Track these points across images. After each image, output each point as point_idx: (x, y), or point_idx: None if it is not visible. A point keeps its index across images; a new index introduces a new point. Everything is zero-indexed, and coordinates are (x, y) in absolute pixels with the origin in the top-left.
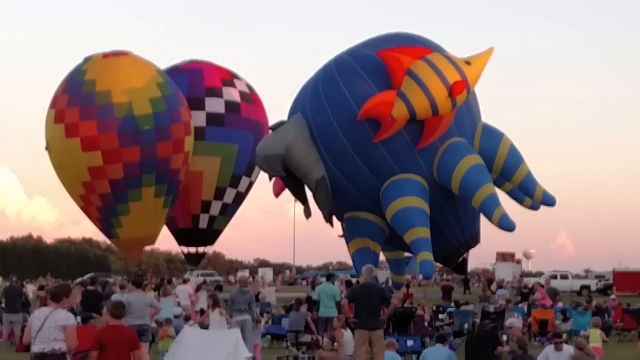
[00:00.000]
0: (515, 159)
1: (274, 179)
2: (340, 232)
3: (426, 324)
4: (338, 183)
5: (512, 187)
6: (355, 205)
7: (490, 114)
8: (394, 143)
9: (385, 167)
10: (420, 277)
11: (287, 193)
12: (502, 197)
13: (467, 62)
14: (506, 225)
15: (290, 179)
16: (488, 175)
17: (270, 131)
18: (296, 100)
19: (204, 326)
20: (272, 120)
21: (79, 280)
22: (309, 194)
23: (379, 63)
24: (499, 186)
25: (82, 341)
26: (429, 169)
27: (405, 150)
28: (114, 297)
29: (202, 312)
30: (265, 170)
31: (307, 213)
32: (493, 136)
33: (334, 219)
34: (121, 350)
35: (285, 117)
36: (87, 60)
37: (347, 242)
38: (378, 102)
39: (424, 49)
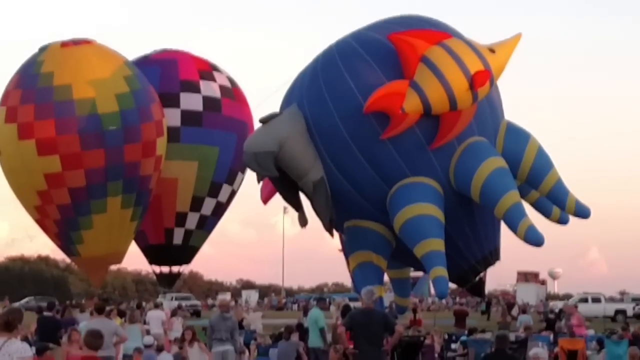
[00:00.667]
0: (544, 163)
1: (262, 182)
2: (340, 246)
3: (436, 354)
4: (338, 186)
5: (539, 197)
6: (358, 213)
7: (513, 110)
8: (405, 141)
9: (394, 168)
10: (429, 300)
11: (276, 200)
12: (526, 208)
13: (491, 50)
14: (534, 238)
15: (282, 181)
16: (513, 181)
17: (259, 125)
18: (291, 90)
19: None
20: (257, 119)
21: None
22: (304, 199)
23: (389, 48)
24: (524, 195)
25: None
26: (445, 172)
27: (417, 150)
28: (83, 325)
29: (176, 340)
30: (254, 170)
31: (302, 221)
32: (519, 137)
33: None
34: None
35: (277, 110)
36: (43, 49)
37: (347, 257)
38: (387, 92)
39: (441, 33)
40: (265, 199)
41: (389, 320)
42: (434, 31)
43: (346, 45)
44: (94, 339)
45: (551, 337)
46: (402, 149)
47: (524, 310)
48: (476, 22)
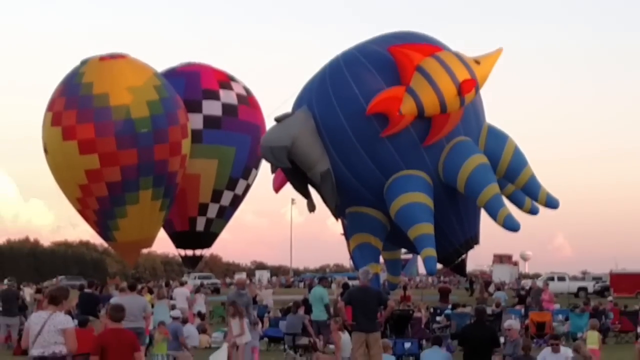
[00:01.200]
0: (519, 161)
1: (274, 174)
2: (342, 230)
3: (423, 326)
4: (342, 177)
5: (514, 190)
6: (358, 200)
7: (491, 115)
8: (401, 139)
9: (391, 162)
10: (417, 279)
11: (286, 192)
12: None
13: (477, 62)
14: (511, 225)
15: (293, 172)
16: (494, 176)
17: (274, 123)
18: (302, 94)
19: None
20: (269, 124)
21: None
22: (311, 189)
23: (388, 59)
24: (501, 188)
25: (80, 344)
26: (435, 166)
27: (411, 147)
28: (113, 300)
29: (199, 314)
30: (270, 162)
31: (311, 207)
32: (498, 138)
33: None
34: (122, 353)
35: (290, 111)
36: (84, 63)
37: (348, 238)
38: (387, 97)
39: (434, 47)
40: (277, 188)
41: (383, 296)
42: (428, 45)
43: (351, 56)
44: (116, 312)
45: (522, 310)
46: (399, 145)
47: (499, 287)
48: (464, 35)
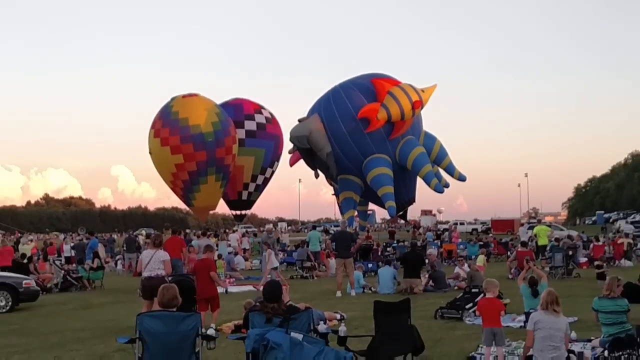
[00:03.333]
0: (443, 152)
1: (291, 155)
2: (332, 192)
3: (380, 254)
4: (338, 156)
5: (438, 169)
6: (347, 171)
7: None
8: (375, 134)
9: (368, 148)
10: (375, 225)
11: (295, 174)
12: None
13: (422, 91)
14: (439, 190)
15: (307, 152)
16: (428, 160)
17: (297, 122)
18: (314, 106)
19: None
20: (285, 136)
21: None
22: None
23: (367, 87)
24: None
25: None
26: (394, 152)
27: (381, 139)
28: (193, 243)
29: (244, 250)
30: (295, 144)
31: (317, 175)
32: (431, 138)
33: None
34: (204, 273)
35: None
36: (172, 99)
37: (338, 195)
38: (370, 108)
39: (397, 81)
40: (291, 164)
41: (354, 237)
42: (394, 80)
43: (346, 85)
44: (208, 248)
45: (439, 243)
46: (373, 138)
47: (428, 230)
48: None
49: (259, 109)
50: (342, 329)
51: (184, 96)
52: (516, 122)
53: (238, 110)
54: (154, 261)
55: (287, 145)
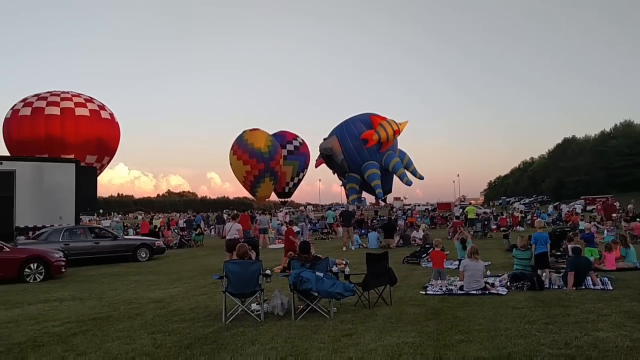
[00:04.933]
0: (410, 161)
1: (317, 160)
2: (340, 183)
3: (369, 224)
4: (347, 161)
5: (406, 172)
6: (352, 170)
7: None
8: (371, 149)
9: (366, 157)
10: (365, 207)
11: (317, 176)
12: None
13: (399, 124)
14: (409, 184)
15: (328, 158)
16: (402, 166)
17: (323, 139)
18: (333, 130)
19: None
20: (311, 153)
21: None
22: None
23: (367, 121)
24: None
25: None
26: (381, 160)
27: (374, 152)
28: (258, 217)
29: (286, 223)
30: (322, 152)
31: (334, 172)
32: (403, 153)
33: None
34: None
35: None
36: (244, 131)
37: (345, 185)
38: (369, 133)
39: (385, 118)
40: (317, 165)
41: (354, 213)
42: (383, 117)
43: (353, 119)
44: (291, 224)
45: (405, 217)
46: (370, 151)
47: (399, 209)
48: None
49: (295, 137)
50: (347, 270)
51: (251, 130)
52: (452, 141)
53: (282, 138)
54: (232, 229)
55: (313, 159)
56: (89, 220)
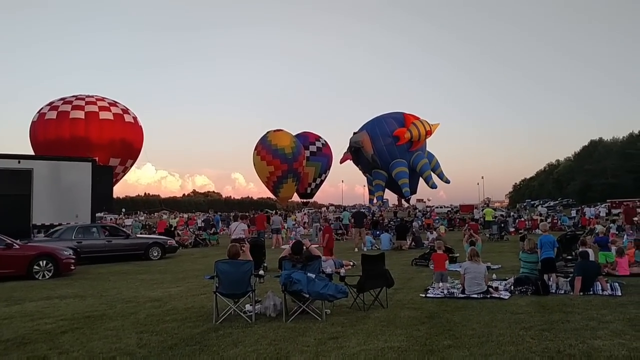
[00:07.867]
0: (437, 164)
1: (344, 155)
2: (364, 184)
3: (384, 225)
4: (378, 158)
5: (432, 174)
6: (380, 167)
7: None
8: (402, 147)
9: (395, 154)
10: (388, 207)
11: (338, 177)
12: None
13: (432, 125)
14: (434, 187)
15: (356, 152)
16: (429, 168)
17: (353, 134)
18: (363, 126)
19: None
20: (335, 156)
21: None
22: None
23: (400, 118)
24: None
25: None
26: (410, 159)
27: (405, 150)
28: (275, 218)
29: (304, 223)
30: (352, 145)
31: (360, 169)
32: (432, 155)
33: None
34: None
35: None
36: (268, 132)
37: (372, 182)
38: (401, 130)
39: (418, 117)
40: (342, 161)
41: (366, 214)
42: (416, 116)
43: (385, 116)
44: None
45: (423, 219)
46: (400, 149)
47: (420, 211)
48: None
49: (318, 138)
50: (342, 271)
51: (275, 130)
52: (479, 143)
53: (305, 139)
54: (238, 229)
55: (336, 160)
56: (111, 219)
